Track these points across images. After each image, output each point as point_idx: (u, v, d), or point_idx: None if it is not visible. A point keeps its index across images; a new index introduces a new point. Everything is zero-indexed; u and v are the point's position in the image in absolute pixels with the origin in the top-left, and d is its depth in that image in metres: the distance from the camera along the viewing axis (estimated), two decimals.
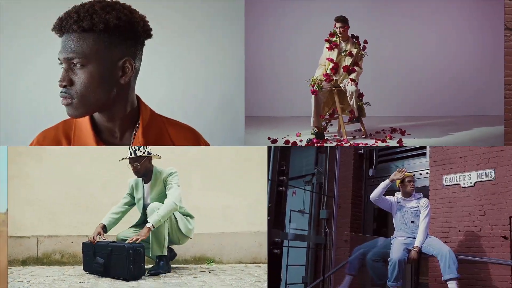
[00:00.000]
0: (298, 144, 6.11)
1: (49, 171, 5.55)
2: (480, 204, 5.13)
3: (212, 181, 5.65)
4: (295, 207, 6.57)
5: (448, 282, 4.48)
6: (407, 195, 5.08)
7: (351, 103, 6.18)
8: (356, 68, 6.24)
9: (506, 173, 4.98)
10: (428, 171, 5.80)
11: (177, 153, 5.46)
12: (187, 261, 5.54)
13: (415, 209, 5.00)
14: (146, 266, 4.57)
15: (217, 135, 5.54)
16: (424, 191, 5.44)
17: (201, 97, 5.64)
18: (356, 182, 6.58)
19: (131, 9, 3.07)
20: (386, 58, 8.08)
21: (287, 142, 6.08)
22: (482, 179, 5.17)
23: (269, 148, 5.02)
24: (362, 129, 6.40)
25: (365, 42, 6.32)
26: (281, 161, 5.37)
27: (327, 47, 6.33)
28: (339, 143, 6.09)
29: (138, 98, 3.26)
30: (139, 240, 4.46)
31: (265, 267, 5.25)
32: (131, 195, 4.95)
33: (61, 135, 3.21)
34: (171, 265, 4.93)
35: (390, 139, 6.22)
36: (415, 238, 4.85)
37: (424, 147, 6.04)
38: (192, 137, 3.39)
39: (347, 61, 6.24)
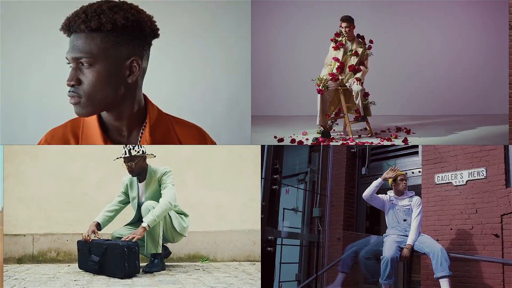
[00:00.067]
0: (304, 143, 6.15)
1: (44, 170, 5.56)
2: (472, 203, 5.15)
3: (206, 179, 5.67)
4: (288, 205, 6.57)
5: (440, 280, 4.49)
6: (399, 193, 5.09)
7: (356, 102, 6.21)
8: (361, 67, 6.28)
9: (498, 172, 4.99)
10: (420, 169, 5.82)
11: (171, 151, 5.48)
12: (182, 259, 5.56)
13: (407, 207, 5.01)
14: (141, 264, 4.59)
15: (223, 134, 5.56)
16: (416, 190, 5.47)
17: (208, 96, 5.66)
18: (349, 180, 6.61)
19: (139, 9, 3.09)
20: (392, 58, 8.10)
21: (293, 140, 6.13)
22: (474, 178, 5.19)
23: (263, 147, 5.05)
24: (368, 128, 6.44)
25: (371, 41, 6.36)
26: (274, 159, 5.40)
27: (333, 47, 6.36)
28: (345, 142, 6.12)
29: (145, 97, 3.28)
30: (135, 239, 4.48)
31: (258, 265, 5.27)
32: (126, 194, 4.96)
33: (69, 134, 3.23)
34: (166, 263, 4.95)
35: (396, 138, 6.26)
36: (407, 236, 4.86)
37: (417, 146, 6.07)
38: (198, 136, 3.41)
39: (353, 60, 6.28)
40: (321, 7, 8.07)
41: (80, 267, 4.78)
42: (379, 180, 4.98)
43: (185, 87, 5.62)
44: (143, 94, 3.25)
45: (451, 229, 5.27)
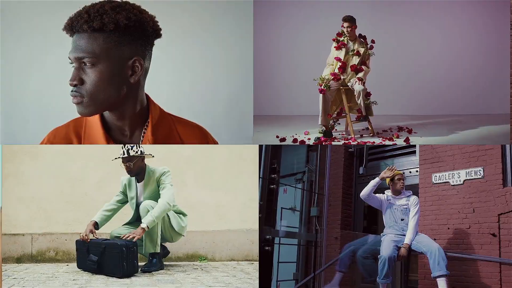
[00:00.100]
0: (306, 143, 6.18)
1: (44, 170, 5.56)
2: (469, 202, 5.16)
3: (204, 179, 5.68)
4: (286, 204, 6.59)
5: (437, 279, 4.50)
6: (397, 193, 5.10)
7: (358, 102, 6.23)
8: (363, 67, 6.31)
9: (495, 171, 5.01)
10: (418, 169, 5.83)
11: (173, 151, 5.50)
12: (180, 259, 5.58)
13: (405, 206, 5.02)
14: (139, 264, 4.60)
15: (226, 133, 5.59)
16: (414, 189, 5.48)
17: (210, 96, 5.68)
18: (347, 180, 6.62)
19: (141, 9, 3.10)
20: (393, 58, 8.14)
21: (295, 140, 6.15)
22: (471, 177, 5.20)
23: (261, 147, 5.07)
24: (370, 128, 6.47)
25: (373, 41, 6.39)
26: (272, 159, 5.43)
27: (335, 47, 6.40)
28: (347, 142, 6.15)
29: (147, 96, 3.29)
30: (135, 239, 4.48)
31: (256, 264, 5.28)
32: (124, 193, 4.97)
33: (71, 134, 3.23)
34: (164, 263, 4.97)
35: (397, 137, 6.28)
36: (404, 235, 4.87)
37: (414, 146, 6.08)
38: (200, 135, 3.41)
39: (355, 60, 6.30)
40: (322, 7, 8.10)
41: (78, 266, 4.80)
42: (377, 179, 4.99)
43: (187, 87, 5.65)
44: (146, 94, 3.27)
45: (448, 228, 5.28)
